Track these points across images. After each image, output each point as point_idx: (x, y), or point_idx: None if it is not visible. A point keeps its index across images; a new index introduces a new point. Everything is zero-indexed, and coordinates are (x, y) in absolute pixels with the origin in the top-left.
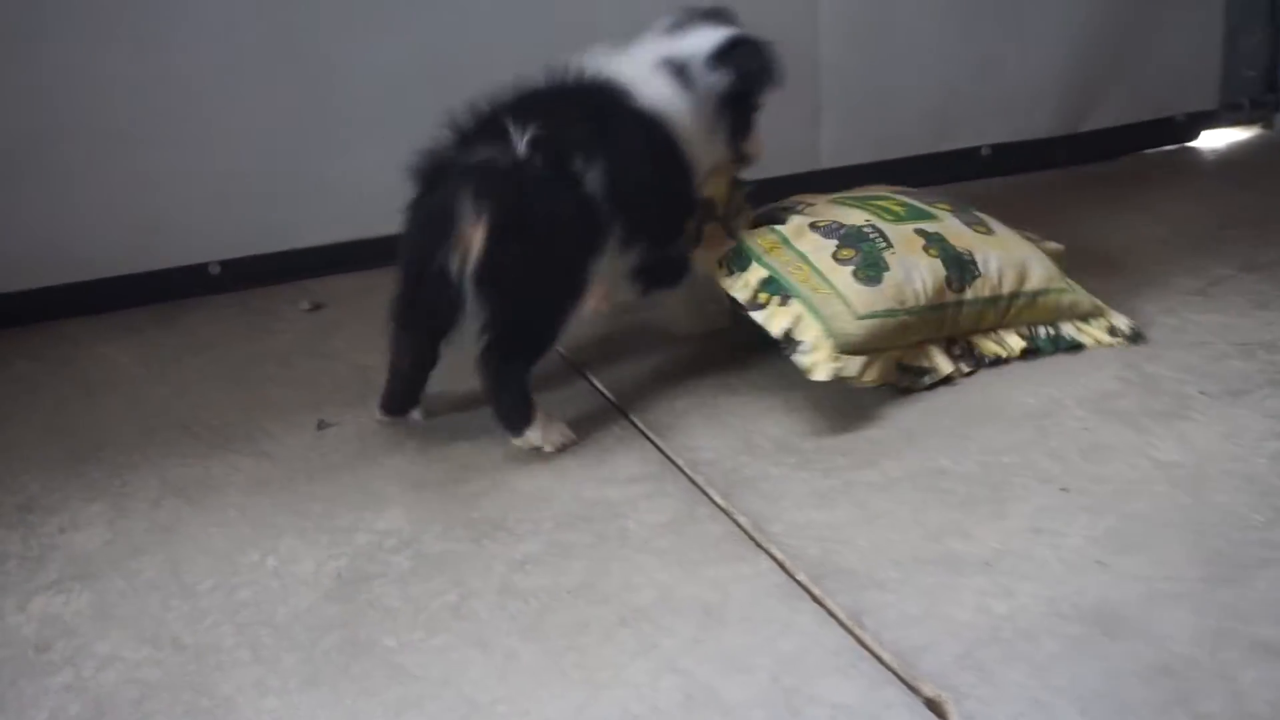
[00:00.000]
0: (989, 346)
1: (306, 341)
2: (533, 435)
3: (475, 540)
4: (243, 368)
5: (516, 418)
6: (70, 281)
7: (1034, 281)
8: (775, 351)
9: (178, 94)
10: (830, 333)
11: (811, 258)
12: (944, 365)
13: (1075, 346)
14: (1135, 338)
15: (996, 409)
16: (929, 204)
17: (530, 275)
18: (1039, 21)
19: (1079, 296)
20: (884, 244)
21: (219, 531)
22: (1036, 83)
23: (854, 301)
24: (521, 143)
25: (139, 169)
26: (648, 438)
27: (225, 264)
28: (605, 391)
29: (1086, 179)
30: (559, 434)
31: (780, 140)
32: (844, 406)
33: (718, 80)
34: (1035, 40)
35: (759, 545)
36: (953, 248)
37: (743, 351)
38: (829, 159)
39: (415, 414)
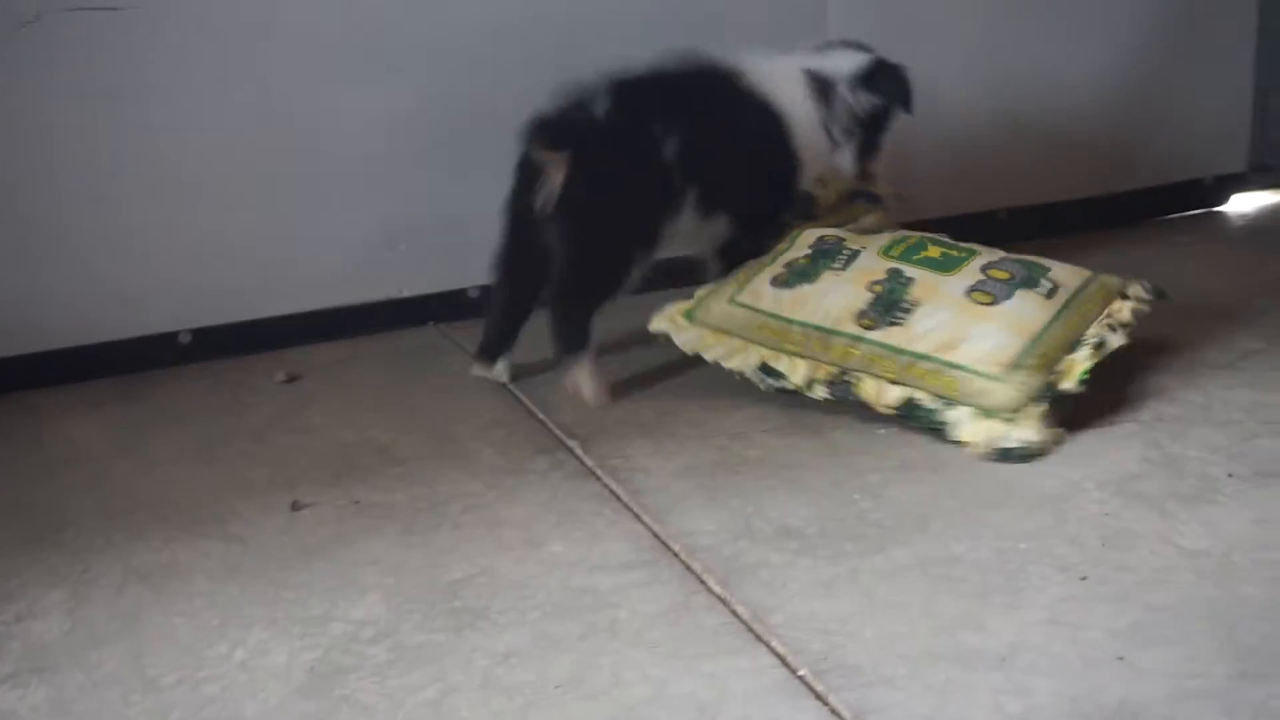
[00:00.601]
0: (865, 388)
1: (281, 415)
2: (581, 370)
3: (457, 631)
4: (213, 444)
5: (574, 345)
6: (31, 351)
7: (959, 356)
8: (779, 430)
9: (147, 154)
10: (690, 307)
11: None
12: (798, 378)
13: (939, 427)
14: (1027, 456)
15: (1012, 491)
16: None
17: (599, 218)
18: (1063, 79)
19: (1010, 395)
20: (837, 264)
21: (185, 621)
22: (1059, 143)
23: (741, 292)
24: (605, 102)
25: (105, 231)
26: (642, 521)
27: (196, 332)
28: (597, 471)
29: (1109, 244)
30: (599, 390)
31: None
32: (850, 487)
33: (858, 99)
34: (1060, 99)
35: (758, 638)
36: (901, 292)
37: (745, 426)
38: None
39: (500, 366)
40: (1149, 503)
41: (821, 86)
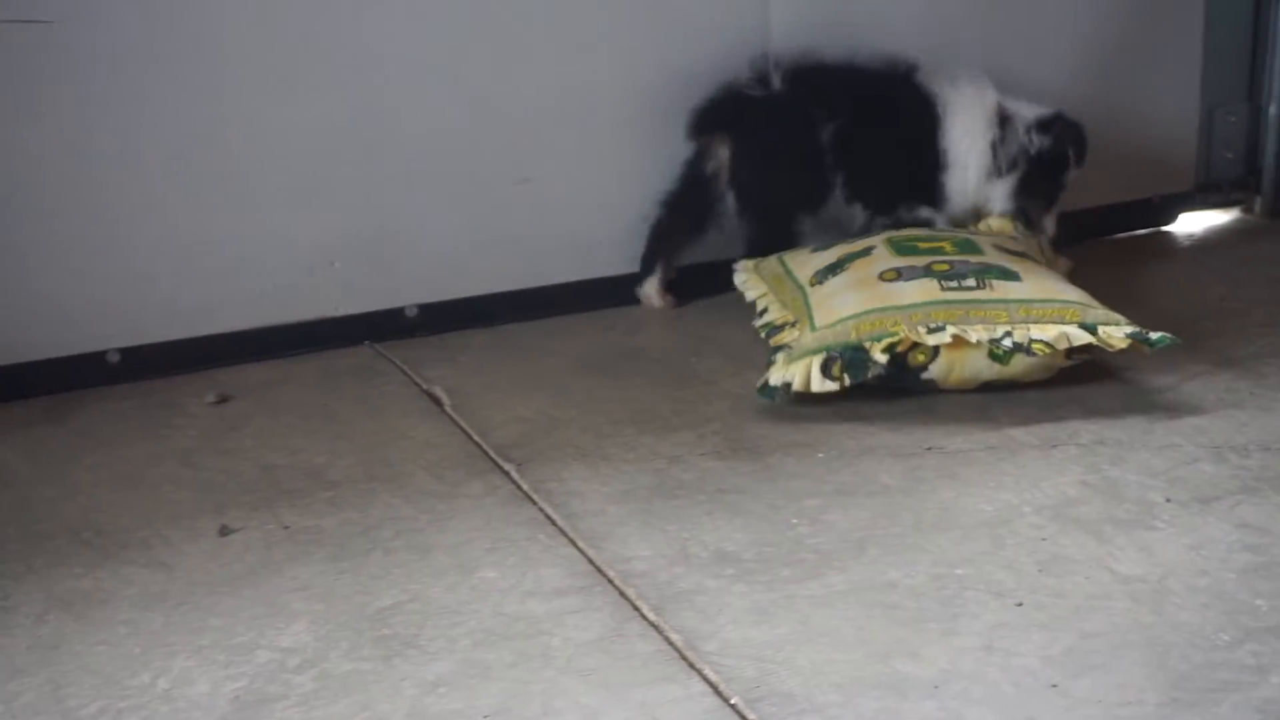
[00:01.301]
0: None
1: (211, 438)
2: None
3: (385, 659)
4: (141, 467)
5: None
6: None
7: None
8: (717, 453)
9: (75, 168)
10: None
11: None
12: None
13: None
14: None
15: (951, 517)
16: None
17: (761, 189)
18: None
19: (805, 343)
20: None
21: (107, 650)
22: None
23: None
24: (775, 82)
25: (32, 248)
26: (576, 546)
27: (125, 351)
28: (532, 495)
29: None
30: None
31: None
32: (788, 512)
33: (1033, 138)
34: None
35: (691, 665)
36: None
37: (682, 450)
38: None
39: (650, 283)
40: (1086, 528)
41: (1003, 116)
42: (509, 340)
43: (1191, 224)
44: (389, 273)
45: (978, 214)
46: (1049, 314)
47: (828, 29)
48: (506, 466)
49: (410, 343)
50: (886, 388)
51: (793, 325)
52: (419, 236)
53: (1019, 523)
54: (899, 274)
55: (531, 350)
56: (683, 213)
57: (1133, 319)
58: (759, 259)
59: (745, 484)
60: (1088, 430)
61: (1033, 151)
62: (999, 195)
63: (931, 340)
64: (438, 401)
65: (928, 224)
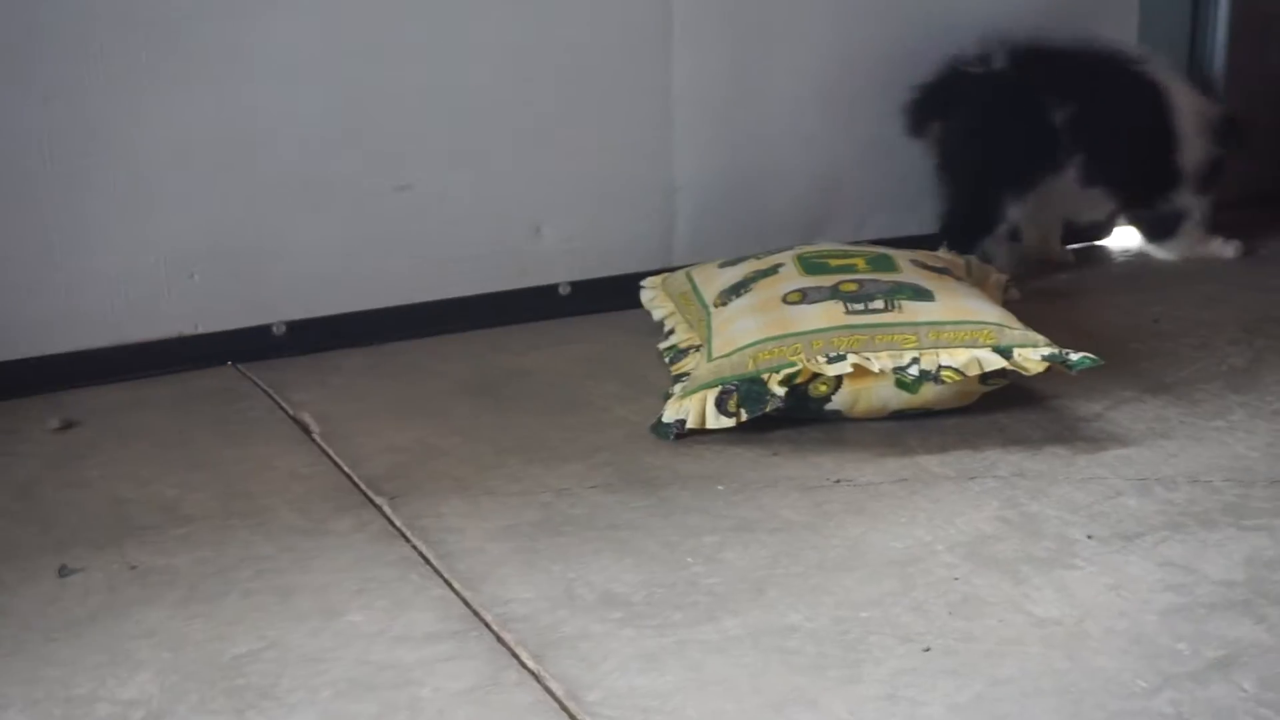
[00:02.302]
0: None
1: (53, 468)
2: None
3: (238, 712)
4: None
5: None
6: None
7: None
8: (609, 486)
9: None
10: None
11: None
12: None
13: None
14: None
15: (858, 555)
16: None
17: (976, 160)
18: None
19: (700, 374)
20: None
21: None
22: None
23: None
24: (1001, 61)
25: None
26: (452, 588)
27: None
28: (406, 532)
29: None
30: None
31: (623, 232)
32: (683, 550)
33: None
34: None
35: (572, 717)
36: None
37: (571, 482)
38: (684, 254)
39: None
40: (1002, 567)
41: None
42: (386, 361)
43: (1129, 239)
44: (254, 286)
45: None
46: (961, 337)
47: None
48: (378, 500)
49: (277, 363)
50: (793, 416)
51: (697, 350)
52: (288, 247)
53: (930, 561)
54: (803, 295)
55: (410, 372)
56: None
57: (1058, 340)
58: (667, 275)
59: (638, 519)
60: (1007, 461)
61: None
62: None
63: (832, 370)
64: (305, 428)
65: (1184, 215)
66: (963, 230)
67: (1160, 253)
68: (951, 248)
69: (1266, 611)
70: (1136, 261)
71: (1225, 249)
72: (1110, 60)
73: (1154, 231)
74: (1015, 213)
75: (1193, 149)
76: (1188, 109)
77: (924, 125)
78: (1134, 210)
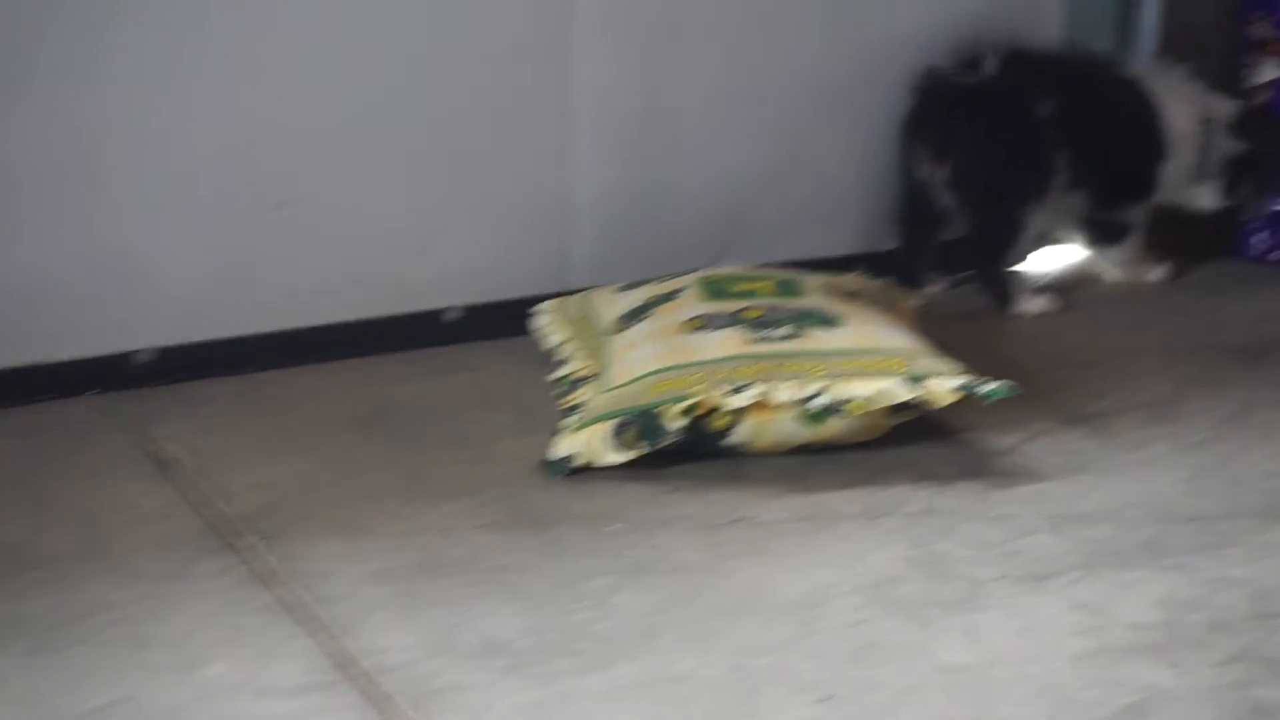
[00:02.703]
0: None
1: None
2: (1018, 306)
3: None
4: None
5: (1003, 299)
6: None
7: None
8: (495, 525)
9: None
10: None
11: None
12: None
13: None
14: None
15: (757, 598)
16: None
17: (986, 175)
18: (841, 122)
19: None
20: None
21: None
22: (840, 186)
23: None
24: (990, 67)
25: None
26: (323, 635)
27: None
28: (276, 575)
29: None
30: (1039, 303)
31: (516, 253)
32: (572, 593)
33: (1230, 145)
34: (835, 144)
35: None
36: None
37: (455, 521)
38: (582, 277)
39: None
40: (907, 610)
41: (1208, 115)
42: (259, 391)
43: (1044, 263)
44: (117, 310)
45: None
46: (870, 366)
47: None
48: (247, 541)
49: (142, 393)
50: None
51: (593, 380)
52: (153, 268)
53: (833, 604)
54: (705, 322)
55: (285, 403)
56: (921, 217)
57: (973, 368)
58: (563, 299)
59: (525, 561)
60: (917, 498)
61: (1229, 155)
62: (1207, 194)
63: (733, 402)
64: (170, 464)
65: (1132, 225)
66: (990, 246)
67: (1101, 261)
68: (987, 273)
69: (1181, 656)
70: (1057, 285)
71: (1153, 273)
72: (1089, 62)
73: (1101, 238)
74: (1036, 221)
75: (1183, 152)
76: (1177, 109)
77: (931, 141)
78: (1098, 215)
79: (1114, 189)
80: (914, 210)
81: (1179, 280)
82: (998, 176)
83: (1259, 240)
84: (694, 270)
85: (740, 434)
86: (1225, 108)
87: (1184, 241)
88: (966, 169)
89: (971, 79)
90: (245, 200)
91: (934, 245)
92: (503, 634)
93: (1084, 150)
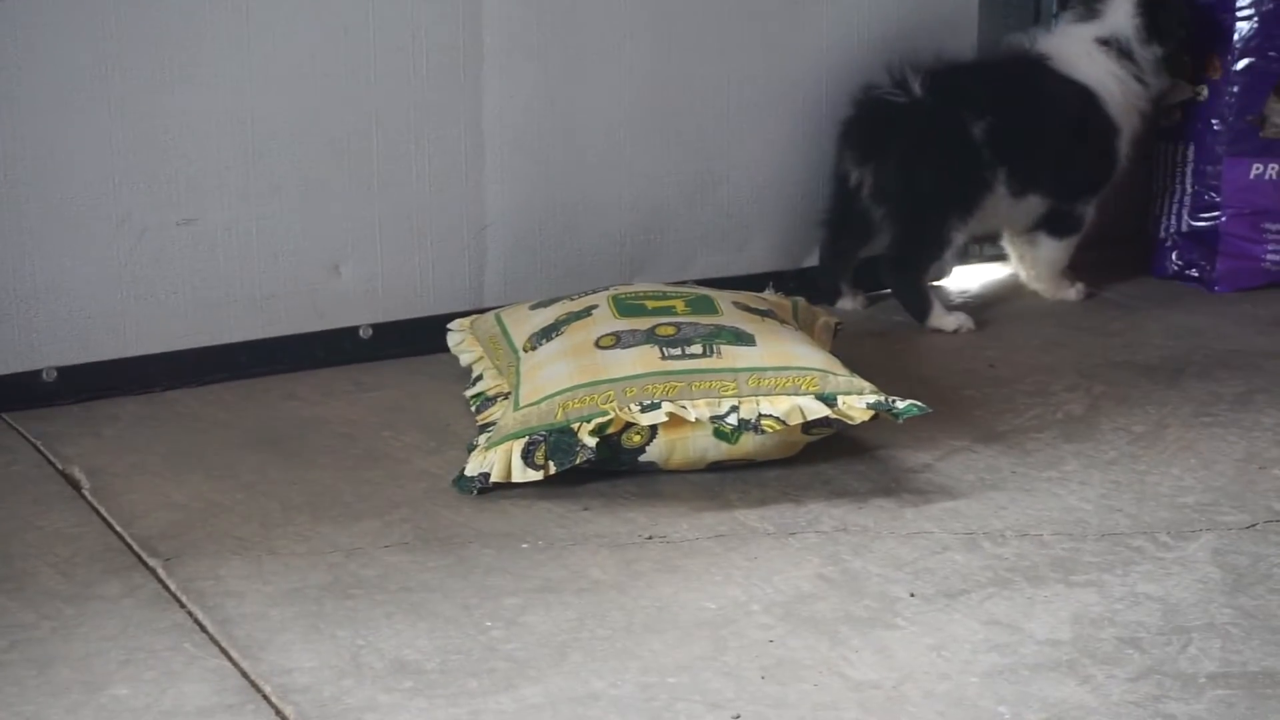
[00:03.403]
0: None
1: None
2: (934, 321)
3: None
4: None
5: (918, 310)
6: None
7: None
8: (405, 545)
9: None
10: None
11: None
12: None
13: None
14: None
15: (668, 616)
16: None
17: (914, 193)
18: (753, 140)
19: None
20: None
21: None
22: (749, 211)
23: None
24: (917, 87)
25: None
26: (229, 657)
27: None
28: (181, 596)
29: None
30: (955, 319)
31: (429, 270)
32: (482, 613)
33: (1153, 51)
34: (747, 162)
35: None
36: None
37: (364, 541)
38: (495, 295)
39: (847, 300)
40: (819, 628)
41: (1120, 51)
42: (167, 410)
43: (966, 280)
44: (20, 328)
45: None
46: (783, 384)
47: None
48: (152, 562)
49: (46, 412)
50: (605, 468)
51: (505, 397)
52: (59, 285)
53: (745, 622)
54: (617, 339)
55: (194, 422)
56: (844, 231)
57: (889, 386)
58: (476, 317)
59: (435, 581)
60: (830, 515)
61: (1157, 60)
62: (1170, 93)
63: (645, 420)
64: (75, 484)
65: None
66: (911, 260)
67: (1039, 249)
68: (898, 278)
69: (1092, 672)
70: (974, 304)
71: (1069, 291)
72: (1016, 67)
73: (1052, 226)
74: (960, 238)
75: (1129, 129)
76: (1111, 87)
77: (860, 158)
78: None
79: (1070, 185)
80: (841, 220)
81: (1094, 298)
82: (924, 193)
83: (1174, 259)
84: (607, 288)
85: (654, 451)
86: (1125, 20)
87: (1099, 260)
88: (892, 183)
89: (901, 96)
90: (152, 217)
91: (854, 259)
92: (411, 655)
93: (1024, 164)
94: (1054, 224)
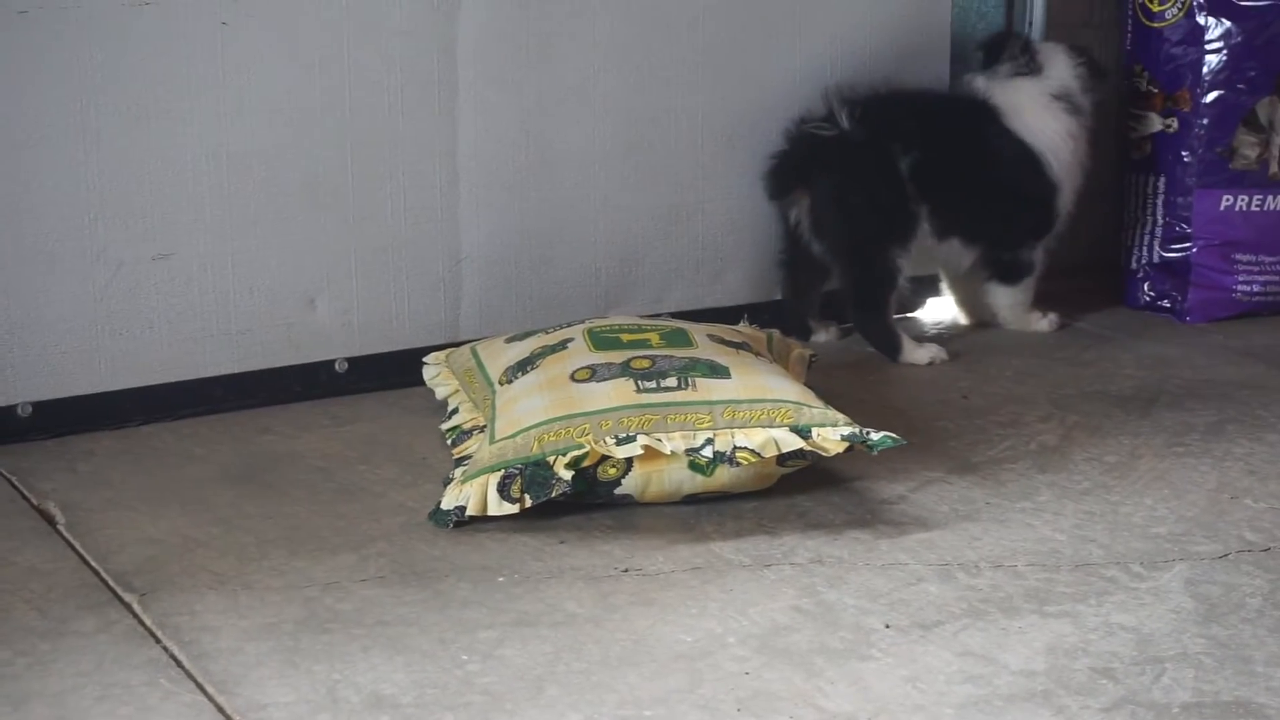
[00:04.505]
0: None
1: None
2: (907, 356)
3: None
4: None
5: (888, 348)
6: None
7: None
8: (382, 579)
9: None
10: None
11: None
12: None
13: None
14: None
15: (644, 649)
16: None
17: (849, 227)
18: (728, 172)
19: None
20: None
21: None
22: (724, 243)
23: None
24: (845, 120)
25: None
26: (205, 692)
27: None
28: (156, 632)
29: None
30: (927, 352)
31: (405, 304)
32: (459, 647)
33: (1092, 97)
34: (722, 194)
35: None
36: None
37: (340, 575)
38: (471, 328)
39: (822, 334)
40: (795, 660)
41: (1072, 105)
42: (142, 444)
43: (940, 311)
44: None
45: None
46: (758, 416)
47: None
48: (127, 597)
49: (20, 447)
50: (581, 501)
51: (481, 431)
52: (34, 320)
53: (721, 655)
54: (593, 373)
55: (169, 457)
56: (801, 267)
57: (863, 418)
58: (451, 350)
59: (411, 614)
60: (806, 547)
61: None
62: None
63: (621, 453)
64: (50, 519)
65: (1031, 265)
66: (869, 298)
67: (997, 297)
68: (862, 319)
69: (1065, 702)
70: (947, 334)
71: (1041, 322)
72: (965, 108)
73: (1002, 274)
74: (905, 268)
75: (1072, 176)
76: (1063, 150)
77: (787, 193)
78: (997, 256)
79: (1010, 236)
80: (792, 258)
81: (1067, 329)
82: (858, 225)
83: (1146, 290)
84: (582, 321)
85: (630, 484)
86: (1068, 75)
87: (1072, 290)
88: (826, 218)
89: (828, 129)
90: (127, 252)
91: (817, 294)
92: (388, 689)
93: (948, 207)
94: (1002, 272)
